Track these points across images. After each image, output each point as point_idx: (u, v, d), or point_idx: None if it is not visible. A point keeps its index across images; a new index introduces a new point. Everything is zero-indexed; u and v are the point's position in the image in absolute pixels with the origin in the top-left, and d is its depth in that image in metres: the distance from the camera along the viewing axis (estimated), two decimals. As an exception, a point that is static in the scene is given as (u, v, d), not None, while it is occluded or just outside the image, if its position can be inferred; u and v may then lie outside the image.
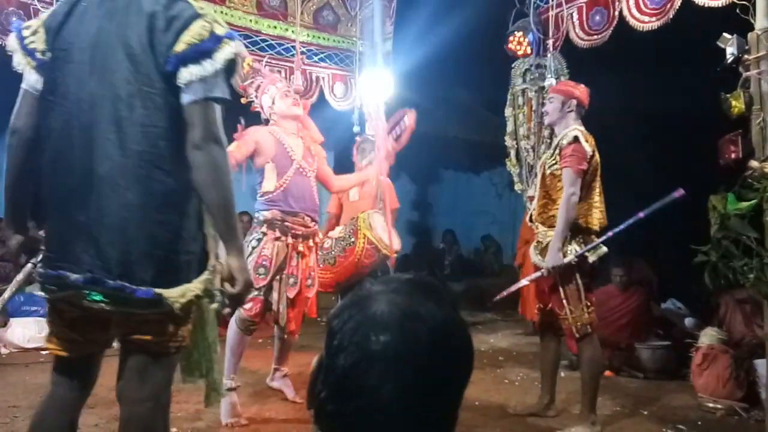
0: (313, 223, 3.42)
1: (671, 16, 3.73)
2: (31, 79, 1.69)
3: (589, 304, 3.18)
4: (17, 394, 3.64)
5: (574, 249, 3.13)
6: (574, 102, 3.28)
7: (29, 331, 4.98)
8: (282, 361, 3.65)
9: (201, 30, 1.57)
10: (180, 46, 1.56)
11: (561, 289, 3.18)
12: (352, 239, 3.77)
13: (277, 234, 3.28)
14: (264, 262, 3.25)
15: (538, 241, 3.30)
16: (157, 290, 1.55)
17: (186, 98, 1.57)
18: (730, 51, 3.13)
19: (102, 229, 1.56)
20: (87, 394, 1.76)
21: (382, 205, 4.48)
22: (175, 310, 1.56)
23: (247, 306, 3.26)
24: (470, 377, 0.86)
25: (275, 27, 5.42)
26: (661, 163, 6.34)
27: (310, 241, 3.41)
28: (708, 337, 4.01)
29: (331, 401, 0.81)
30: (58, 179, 1.62)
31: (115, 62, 1.58)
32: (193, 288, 1.59)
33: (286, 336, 3.55)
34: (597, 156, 3.21)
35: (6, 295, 2.04)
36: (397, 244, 3.85)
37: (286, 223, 3.30)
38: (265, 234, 3.29)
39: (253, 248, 3.31)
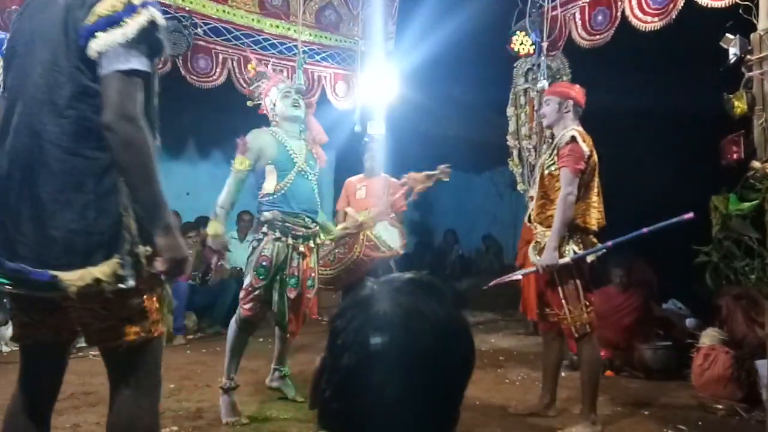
0: (314, 224, 3.43)
1: (674, 17, 3.72)
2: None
3: (587, 303, 3.18)
4: (18, 391, 3.64)
5: (571, 249, 3.13)
6: (571, 102, 3.28)
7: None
8: (281, 361, 3.66)
9: (115, 2, 1.52)
10: (91, 18, 1.52)
11: (559, 289, 3.18)
12: (353, 238, 3.80)
13: (278, 234, 3.29)
14: (264, 263, 3.26)
15: (536, 242, 3.30)
16: (53, 272, 1.50)
17: (101, 71, 1.52)
18: (733, 51, 3.13)
19: (11, 213, 1.56)
20: (54, 390, 1.78)
21: (389, 203, 4.50)
22: (70, 293, 1.50)
23: (247, 306, 3.26)
24: (472, 375, 0.86)
25: (278, 26, 5.43)
26: (663, 163, 6.33)
27: (311, 241, 3.41)
28: (709, 337, 4.01)
29: (336, 400, 0.81)
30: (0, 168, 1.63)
31: (35, 49, 1.60)
32: (94, 271, 1.51)
33: (286, 336, 3.55)
34: (595, 156, 3.21)
35: None
36: (398, 243, 3.86)
37: (287, 224, 3.31)
38: (265, 234, 3.30)
39: (254, 248, 3.33)
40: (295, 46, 5.37)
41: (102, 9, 1.52)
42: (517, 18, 4.92)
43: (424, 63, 5.87)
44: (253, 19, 5.32)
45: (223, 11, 5.14)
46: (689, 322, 4.81)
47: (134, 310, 1.60)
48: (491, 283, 3.57)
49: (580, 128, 3.24)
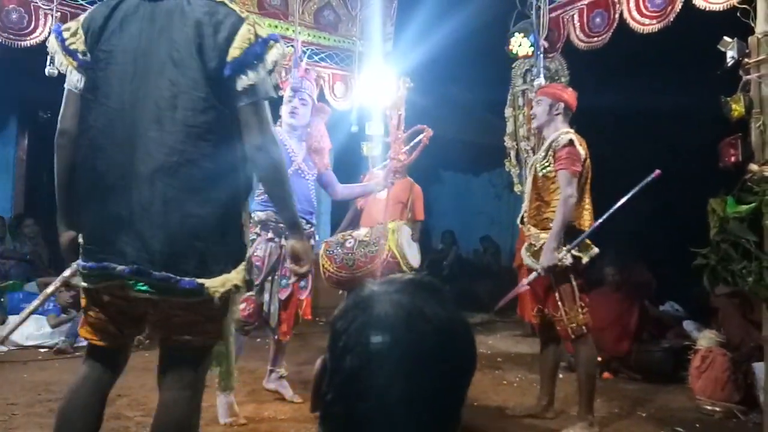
0: (309, 225, 3.40)
1: (672, 19, 3.73)
2: (73, 79, 1.76)
3: (583, 304, 3.19)
4: (15, 391, 3.64)
5: (569, 253, 3.13)
6: (562, 105, 3.29)
7: (28, 329, 4.97)
8: (277, 362, 3.65)
9: (248, 34, 1.66)
10: (235, 52, 1.65)
11: (556, 291, 3.19)
12: (377, 248, 3.59)
13: (271, 235, 3.27)
14: (256, 263, 3.24)
15: (530, 244, 3.29)
16: (200, 280, 1.63)
17: (243, 101, 1.67)
18: (731, 54, 3.14)
19: (145, 224, 1.63)
20: (118, 374, 1.86)
21: (410, 215, 4.44)
22: (215, 298, 1.64)
23: (241, 306, 3.26)
24: (473, 376, 0.86)
25: (276, 26, 5.42)
26: (660, 165, 6.34)
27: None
28: (706, 339, 4.02)
29: (338, 403, 0.81)
30: (99, 176, 1.68)
31: (159, 65, 1.66)
32: (232, 278, 1.68)
33: (277, 337, 3.54)
34: (588, 159, 3.23)
35: (50, 289, 2.18)
36: (417, 260, 3.77)
37: (281, 225, 3.27)
38: (258, 235, 3.29)
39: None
40: (293, 46, 5.37)
41: (241, 43, 1.65)
42: (515, 19, 4.92)
43: (422, 64, 5.87)
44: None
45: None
46: (687, 324, 4.82)
47: (216, 312, 1.71)
48: (500, 303, 3.56)
49: (572, 130, 3.24)
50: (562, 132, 3.21)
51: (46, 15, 4.33)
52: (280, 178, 1.77)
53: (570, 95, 3.36)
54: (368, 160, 5.13)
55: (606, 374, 4.49)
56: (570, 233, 3.15)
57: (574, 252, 3.13)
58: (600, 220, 3.17)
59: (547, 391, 3.45)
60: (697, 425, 3.39)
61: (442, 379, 0.80)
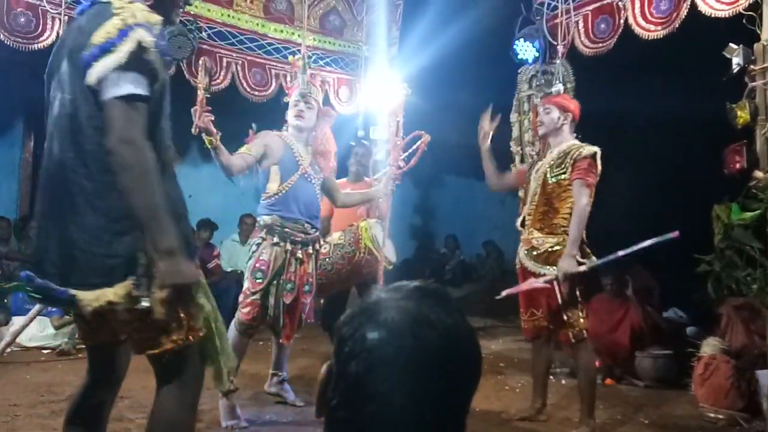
0: (314, 230, 3.41)
1: (677, 25, 3.73)
2: None
3: (583, 308, 3.22)
4: (18, 392, 3.65)
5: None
6: (570, 116, 3.35)
7: (31, 329, 4.99)
8: (280, 366, 3.64)
9: (111, 29, 1.55)
10: (88, 48, 1.57)
11: (560, 296, 3.19)
12: (353, 248, 3.71)
13: (276, 240, 3.28)
14: (261, 267, 3.26)
15: (533, 247, 3.30)
16: (72, 291, 1.58)
17: (103, 98, 1.56)
18: (736, 61, 3.14)
19: (41, 232, 1.70)
20: (115, 380, 1.87)
21: (377, 212, 4.46)
22: (86, 313, 1.59)
23: (245, 310, 3.26)
24: (478, 383, 0.87)
25: (282, 31, 5.45)
26: (665, 172, 6.33)
27: (310, 248, 3.39)
28: (710, 346, 4.00)
29: (344, 408, 0.81)
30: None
31: (59, 81, 1.69)
32: (108, 293, 1.56)
33: (280, 340, 3.54)
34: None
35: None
36: (393, 255, 3.83)
37: (286, 229, 3.31)
38: (264, 239, 3.31)
39: (252, 252, 3.33)
40: (299, 50, 5.39)
41: (98, 38, 1.56)
42: (521, 25, 4.93)
43: (427, 69, 5.88)
44: (257, 24, 5.34)
45: (228, 15, 5.16)
46: (690, 330, 4.80)
47: (168, 322, 1.63)
48: (504, 293, 3.55)
49: (596, 147, 3.28)
50: (584, 144, 3.26)
51: (53, 19, 4.36)
52: (132, 183, 1.53)
53: (576, 107, 3.43)
54: (374, 143, 5.09)
55: (608, 380, 4.48)
56: (582, 242, 3.19)
57: (578, 259, 3.14)
58: (624, 252, 3.18)
59: (539, 394, 3.49)
60: (700, 433, 3.38)
61: (446, 385, 0.80)
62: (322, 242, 3.70)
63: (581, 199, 3.13)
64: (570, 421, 3.46)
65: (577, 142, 3.32)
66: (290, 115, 3.48)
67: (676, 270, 4.99)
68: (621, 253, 3.20)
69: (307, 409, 3.42)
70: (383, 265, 3.67)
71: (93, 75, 1.54)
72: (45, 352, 4.92)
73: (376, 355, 0.79)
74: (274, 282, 3.30)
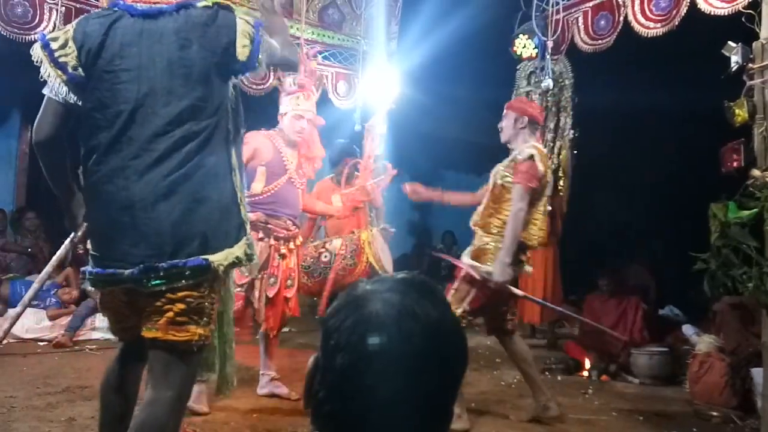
0: (294, 226, 3.56)
1: (676, 23, 3.72)
2: (61, 91, 1.81)
3: (467, 309, 3.24)
4: (14, 384, 3.65)
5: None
6: (526, 119, 3.33)
7: (27, 321, 4.99)
8: (268, 366, 3.64)
9: (245, 26, 1.83)
10: (246, 51, 1.81)
11: (456, 281, 3.28)
12: (354, 260, 3.75)
13: (260, 235, 3.37)
14: None
15: (473, 244, 3.33)
16: (204, 257, 1.74)
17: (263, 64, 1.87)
18: (735, 59, 3.13)
19: (148, 224, 1.74)
20: (141, 360, 1.92)
21: (374, 215, 4.48)
22: (220, 271, 1.76)
23: None
24: (465, 374, 0.87)
25: (280, 24, 5.42)
26: (662, 169, 6.34)
27: (291, 243, 3.52)
28: (705, 344, 4.02)
29: (329, 401, 0.81)
30: (105, 188, 1.79)
31: (162, 80, 1.75)
32: (234, 251, 1.79)
33: (265, 331, 3.55)
34: (548, 176, 3.30)
35: (43, 273, 2.30)
36: (390, 264, 3.86)
37: (269, 226, 3.42)
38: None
39: None
40: (298, 44, 5.36)
41: (243, 38, 1.84)
42: (520, 21, 4.92)
43: (426, 63, 5.87)
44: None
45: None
46: (686, 328, 4.82)
47: (204, 313, 1.78)
48: (442, 256, 3.74)
49: (540, 145, 3.32)
50: (528, 146, 3.25)
51: (51, 9, 4.33)
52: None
53: (535, 109, 3.43)
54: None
55: (604, 377, 4.49)
56: (518, 247, 3.18)
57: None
58: (549, 305, 3.42)
59: (534, 390, 3.35)
60: (695, 429, 3.40)
61: (431, 377, 0.80)
62: (321, 249, 3.75)
63: (516, 204, 3.13)
64: (563, 416, 3.46)
65: (533, 143, 3.29)
66: (291, 127, 3.49)
67: (672, 268, 5.01)
68: (548, 304, 3.28)
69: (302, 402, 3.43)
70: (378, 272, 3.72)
71: (263, 66, 1.86)
72: (41, 344, 4.91)
73: (362, 348, 0.79)
74: (259, 276, 3.39)
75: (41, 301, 5.16)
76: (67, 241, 2.26)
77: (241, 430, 3.06)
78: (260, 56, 1.82)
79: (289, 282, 3.51)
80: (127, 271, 1.74)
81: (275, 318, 3.52)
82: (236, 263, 1.83)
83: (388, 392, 0.78)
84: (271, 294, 3.43)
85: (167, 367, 1.76)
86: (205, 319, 1.80)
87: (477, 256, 3.26)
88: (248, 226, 1.90)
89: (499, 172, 3.34)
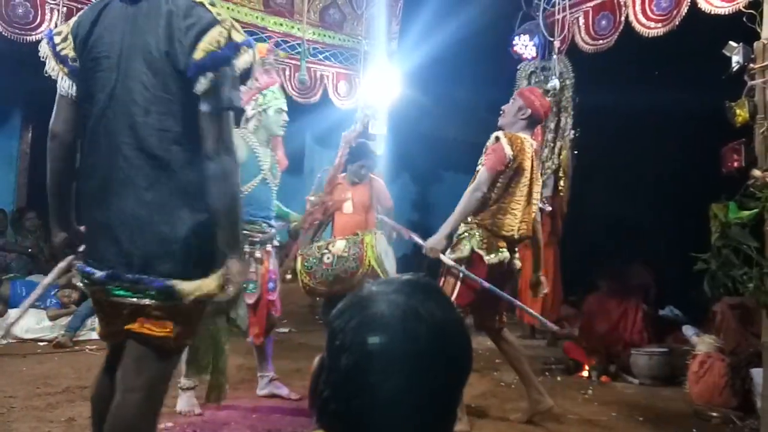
0: (270, 228, 3.43)
1: (677, 23, 3.72)
2: (65, 85, 1.77)
3: (458, 304, 3.05)
4: (14, 384, 3.65)
5: (471, 246, 3.16)
6: (529, 111, 3.28)
7: (28, 322, 4.99)
8: (264, 367, 3.63)
9: (218, 36, 1.61)
10: (198, 54, 1.60)
11: (442, 277, 3.22)
12: (356, 263, 3.64)
13: None
14: None
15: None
16: (170, 282, 1.61)
17: (203, 107, 1.62)
18: (736, 60, 3.13)
19: (122, 228, 1.64)
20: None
21: (380, 209, 4.46)
22: (186, 302, 1.62)
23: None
24: (469, 376, 0.87)
25: (281, 24, 5.43)
26: (662, 169, 6.34)
27: (268, 245, 3.41)
28: (705, 344, 4.01)
29: (334, 401, 0.82)
30: (88, 183, 1.73)
31: (135, 69, 1.65)
32: (207, 284, 1.65)
33: (253, 341, 3.51)
34: (527, 164, 3.18)
35: (46, 280, 2.18)
36: (393, 267, 3.80)
37: (244, 231, 3.24)
38: None
39: None
40: (299, 44, 5.37)
41: (207, 45, 1.60)
42: (520, 21, 4.92)
43: (426, 64, 5.87)
44: (257, 17, 5.32)
45: (227, 8, 5.13)
46: (686, 329, 4.82)
47: (183, 314, 1.67)
48: (406, 232, 3.74)
49: (524, 135, 3.23)
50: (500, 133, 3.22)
51: (52, 10, 4.34)
52: (225, 191, 1.64)
53: (542, 106, 3.35)
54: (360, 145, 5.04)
55: (604, 378, 4.49)
56: (484, 231, 3.16)
57: (476, 249, 3.14)
58: (492, 287, 3.15)
59: (529, 388, 3.31)
60: (695, 430, 3.39)
61: (436, 377, 0.81)
62: (324, 250, 3.69)
63: (474, 183, 3.12)
64: (565, 417, 3.46)
65: (522, 135, 3.23)
66: (275, 123, 3.42)
67: (672, 268, 5.01)
68: (506, 296, 3.28)
69: (303, 402, 3.42)
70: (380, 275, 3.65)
71: (205, 84, 1.59)
72: (41, 344, 4.91)
73: (366, 348, 0.80)
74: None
75: (41, 302, 5.16)
76: (59, 266, 2.12)
77: (241, 430, 3.06)
78: (211, 75, 1.59)
79: (270, 285, 3.41)
80: (98, 273, 1.66)
81: (260, 324, 3.42)
82: (207, 297, 1.67)
83: (392, 392, 0.79)
84: (251, 301, 3.32)
85: (138, 363, 1.66)
86: (183, 318, 1.68)
87: (455, 245, 3.24)
88: (223, 257, 1.71)
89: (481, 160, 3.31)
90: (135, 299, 1.63)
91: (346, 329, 0.82)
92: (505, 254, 3.19)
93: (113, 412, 1.64)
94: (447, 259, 3.17)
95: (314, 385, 0.86)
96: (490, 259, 3.15)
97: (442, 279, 3.25)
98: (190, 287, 1.63)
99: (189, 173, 1.65)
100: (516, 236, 3.21)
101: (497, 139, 3.16)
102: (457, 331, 0.86)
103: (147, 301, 1.63)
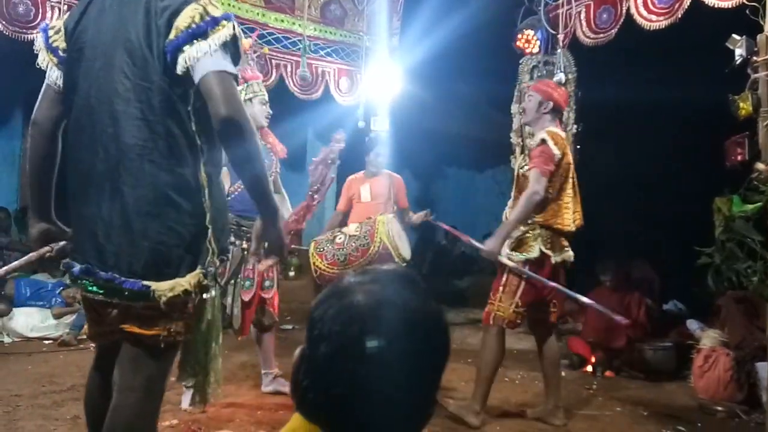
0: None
1: (679, 16, 3.70)
2: (53, 75, 1.75)
3: (519, 303, 3.20)
4: (19, 382, 3.66)
5: (539, 248, 3.17)
6: (551, 104, 3.27)
7: (32, 320, 5.01)
8: (269, 364, 3.63)
9: (192, 13, 1.56)
10: (173, 33, 1.55)
11: (504, 277, 3.23)
12: (367, 240, 3.57)
13: (232, 239, 3.23)
14: None
15: (511, 237, 3.29)
16: (146, 282, 1.56)
17: (197, 77, 1.54)
18: (739, 52, 3.11)
19: (99, 222, 1.60)
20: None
21: (395, 206, 4.45)
22: (161, 303, 1.56)
23: None
24: (447, 362, 0.88)
25: (282, 20, 5.41)
26: (666, 163, 6.32)
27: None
28: (709, 339, 4.01)
29: (313, 389, 0.84)
30: (70, 175, 1.69)
31: (115, 58, 1.61)
32: (183, 282, 1.59)
33: (263, 337, 3.52)
34: (569, 158, 3.23)
35: (13, 264, 2.11)
36: (407, 251, 3.74)
37: (242, 227, 3.27)
38: None
39: None
40: (300, 40, 5.36)
41: (182, 23, 1.55)
42: (523, 15, 4.90)
43: (428, 59, 5.85)
44: (258, 13, 5.31)
45: (229, 5, 5.12)
46: (690, 323, 4.81)
47: (176, 308, 1.62)
48: (443, 226, 3.76)
49: (557, 130, 3.25)
50: (541, 131, 3.22)
51: (53, 8, 4.34)
52: (249, 153, 1.56)
53: (561, 95, 3.35)
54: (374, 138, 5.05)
55: (608, 372, 4.49)
56: (548, 232, 3.18)
57: (544, 249, 3.16)
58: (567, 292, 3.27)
59: (551, 393, 3.35)
60: (700, 424, 3.39)
61: (412, 365, 0.82)
62: (336, 232, 3.66)
63: (532, 186, 3.09)
64: (571, 413, 3.46)
65: (556, 130, 3.25)
66: (260, 114, 3.41)
67: (676, 262, 5.00)
68: (583, 299, 3.31)
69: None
70: (397, 261, 3.61)
71: (183, 61, 1.53)
72: (46, 342, 4.92)
73: (343, 337, 0.81)
74: (232, 281, 3.28)
75: (46, 301, 5.17)
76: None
77: (245, 427, 3.07)
78: (190, 48, 1.53)
79: (267, 283, 3.40)
80: (76, 267, 1.62)
81: (247, 318, 3.39)
82: (184, 296, 1.60)
83: (369, 380, 0.80)
84: (246, 298, 3.31)
85: (134, 363, 1.63)
86: (176, 313, 1.62)
87: (517, 246, 3.24)
88: (213, 255, 1.67)
89: (519, 163, 3.32)
90: (106, 299, 1.60)
91: (324, 318, 0.84)
92: (569, 253, 3.26)
93: (112, 413, 1.62)
94: (508, 261, 3.18)
95: (295, 375, 0.87)
96: (556, 258, 3.19)
97: (503, 278, 3.25)
98: (165, 286, 1.57)
99: (170, 167, 1.58)
100: (573, 229, 3.24)
101: (543, 141, 3.15)
102: (433, 320, 0.87)
103: (117, 300, 1.59)
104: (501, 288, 3.23)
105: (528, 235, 3.21)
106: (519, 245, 3.23)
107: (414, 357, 0.82)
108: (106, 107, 1.60)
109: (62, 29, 1.75)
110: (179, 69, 1.55)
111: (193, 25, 1.54)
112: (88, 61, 1.65)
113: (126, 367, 1.64)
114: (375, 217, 3.73)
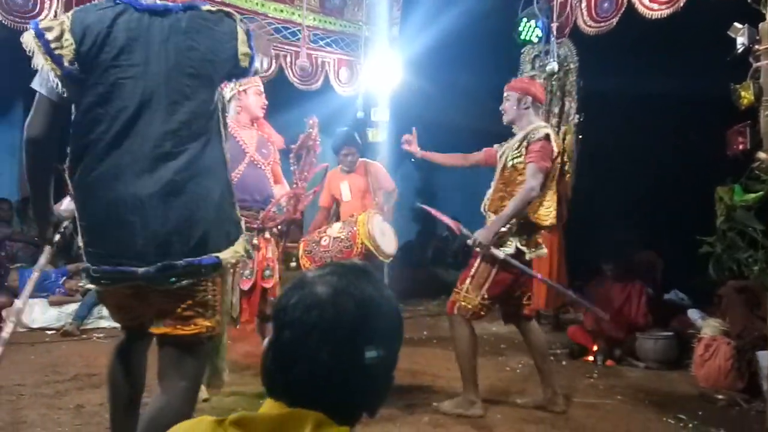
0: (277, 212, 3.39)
1: (681, 5, 3.68)
2: (55, 86, 1.73)
3: (486, 296, 3.18)
4: (23, 373, 3.68)
5: (515, 244, 3.16)
6: (530, 99, 3.27)
7: (34, 312, 5.02)
8: None
9: (243, 36, 1.84)
10: (242, 61, 1.85)
11: (475, 266, 3.22)
12: (350, 243, 3.58)
13: None
14: None
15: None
16: (216, 254, 1.81)
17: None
18: (741, 41, 3.10)
19: (161, 223, 1.74)
20: (147, 340, 2.01)
21: (381, 193, 4.44)
22: (225, 269, 1.85)
23: None
24: (401, 344, 0.99)
25: (282, 10, 5.40)
26: (668, 153, 6.31)
27: (267, 233, 3.37)
28: (710, 328, 4.02)
29: (278, 373, 0.94)
30: (111, 186, 1.75)
31: (167, 77, 1.76)
32: (238, 249, 1.87)
33: (240, 326, 3.51)
34: (561, 157, 3.24)
35: (42, 260, 2.26)
36: (393, 247, 3.73)
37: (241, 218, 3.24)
38: None
39: None
40: (299, 30, 5.35)
41: (243, 44, 1.88)
42: (524, 5, 4.88)
43: (428, 49, 5.83)
44: (257, 3, 5.29)
45: (228, -5, 5.11)
46: (691, 312, 4.82)
47: (209, 306, 1.84)
48: (426, 207, 3.84)
49: (548, 125, 3.25)
50: (540, 126, 3.21)
51: (51, -2, 4.32)
52: None
53: (538, 89, 3.35)
54: (374, 147, 5.09)
55: (609, 361, 4.50)
56: (525, 227, 3.17)
57: (518, 245, 3.16)
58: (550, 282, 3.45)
59: (545, 381, 3.34)
60: (700, 413, 3.40)
61: (366, 348, 0.92)
62: (321, 234, 3.66)
63: (529, 182, 3.07)
64: (570, 400, 3.48)
65: (541, 123, 3.25)
66: (255, 104, 3.39)
67: (677, 252, 5.00)
68: (570, 293, 3.40)
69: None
70: (381, 259, 3.61)
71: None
72: (49, 333, 4.95)
73: (303, 322, 0.92)
74: (232, 270, 3.27)
75: (50, 291, 5.19)
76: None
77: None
78: (255, 64, 1.92)
79: (267, 272, 3.39)
80: (141, 270, 1.74)
81: (252, 309, 3.40)
82: (240, 260, 1.92)
83: (325, 359, 0.90)
84: (246, 287, 3.30)
85: (178, 361, 1.81)
86: (210, 311, 1.84)
87: (498, 241, 3.20)
88: (243, 224, 1.98)
89: (508, 153, 3.27)
90: (184, 282, 1.76)
91: (287, 308, 0.94)
92: (543, 251, 3.28)
93: (160, 399, 1.77)
94: (499, 252, 3.16)
95: (264, 362, 0.96)
96: (530, 255, 3.20)
97: (472, 269, 3.24)
98: (228, 254, 1.83)
99: (211, 162, 1.84)
100: (549, 225, 3.25)
101: (546, 136, 3.13)
102: (386, 307, 0.97)
103: (195, 280, 1.78)
104: (469, 279, 3.23)
105: (504, 230, 3.19)
106: (500, 240, 3.21)
107: (365, 338, 0.92)
108: (163, 124, 1.76)
109: (67, 37, 1.71)
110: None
111: (249, 42, 1.89)
112: (134, 79, 1.75)
113: (170, 364, 1.81)
114: (357, 216, 3.72)
